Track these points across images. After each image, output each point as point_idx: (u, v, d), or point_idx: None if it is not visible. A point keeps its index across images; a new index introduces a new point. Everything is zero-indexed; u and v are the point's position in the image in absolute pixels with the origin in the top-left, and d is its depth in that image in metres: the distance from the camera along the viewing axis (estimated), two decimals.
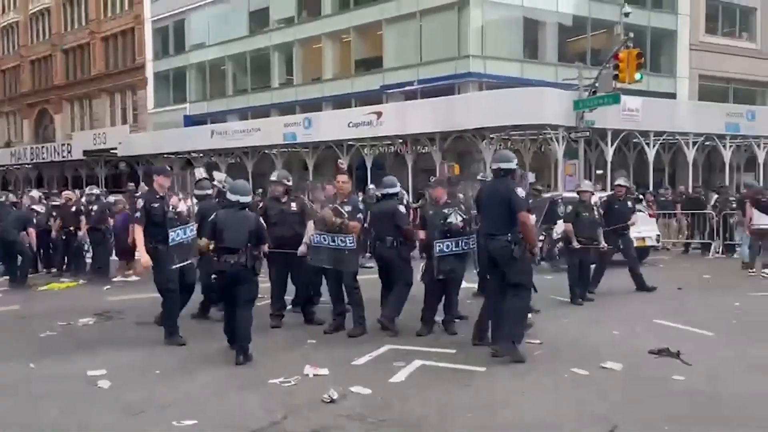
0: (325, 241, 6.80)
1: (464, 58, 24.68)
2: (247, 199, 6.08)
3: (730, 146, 24.17)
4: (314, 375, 5.29)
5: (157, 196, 6.51)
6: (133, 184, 21.84)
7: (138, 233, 6.41)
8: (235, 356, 5.72)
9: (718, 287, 9.88)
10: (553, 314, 7.75)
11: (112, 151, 33.22)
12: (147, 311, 7.69)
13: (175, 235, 6.38)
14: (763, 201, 11.22)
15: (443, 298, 6.93)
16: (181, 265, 6.49)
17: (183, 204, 6.53)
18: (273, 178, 7.53)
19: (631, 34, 17.72)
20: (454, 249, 6.73)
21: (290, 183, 7.44)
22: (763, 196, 11.39)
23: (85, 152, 34.45)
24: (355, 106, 26.37)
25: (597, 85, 18.69)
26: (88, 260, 11.78)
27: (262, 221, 6.45)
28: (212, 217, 6.10)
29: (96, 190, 12.29)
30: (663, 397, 4.83)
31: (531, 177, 9.19)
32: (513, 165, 6.13)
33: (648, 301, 8.78)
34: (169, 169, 6.93)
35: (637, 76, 16.66)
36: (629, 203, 9.79)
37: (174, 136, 31.60)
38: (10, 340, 6.84)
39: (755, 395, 4.89)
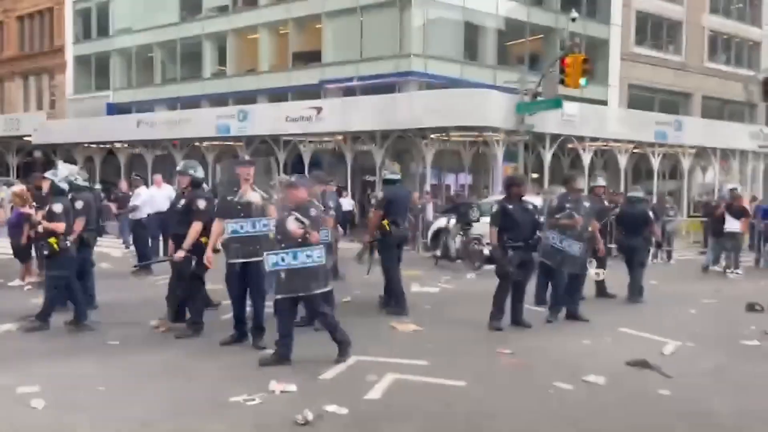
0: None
1: (406, 57, 24.45)
2: None
3: (659, 154, 25.06)
4: (281, 392, 4.75)
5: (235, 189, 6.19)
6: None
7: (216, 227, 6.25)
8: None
9: (670, 294, 9.95)
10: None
11: (25, 138, 30.95)
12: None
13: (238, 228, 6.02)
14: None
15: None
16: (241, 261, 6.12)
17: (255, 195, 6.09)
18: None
19: (577, 40, 17.97)
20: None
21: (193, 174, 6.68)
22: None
23: None
24: (292, 101, 25.63)
25: (540, 89, 18.82)
26: None
27: None
28: None
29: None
30: (658, 415, 4.63)
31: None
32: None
33: (609, 308, 8.68)
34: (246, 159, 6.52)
35: (583, 81, 16.86)
36: (606, 203, 9.69)
37: (96, 125, 29.76)
38: None
39: (747, 412, 4.76)
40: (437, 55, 24.88)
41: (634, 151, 24.64)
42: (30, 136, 30.53)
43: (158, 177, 13.23)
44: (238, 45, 29.84)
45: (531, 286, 7.94)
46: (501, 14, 26.64)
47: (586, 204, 7.89)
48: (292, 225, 5.40)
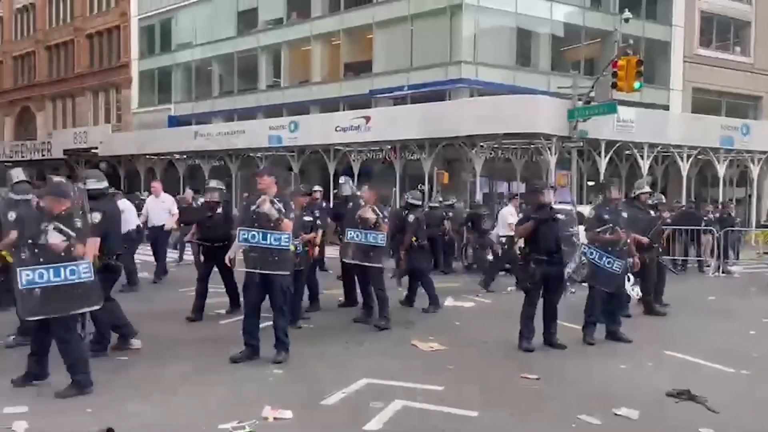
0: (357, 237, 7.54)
1: (456, 64, 24.06)
2: None
3: (724, 160, 23.71)
4: (274, 419, 4.46)
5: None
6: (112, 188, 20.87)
7: None
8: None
9: (728, 312, 9.17)
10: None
11: (92, 150, 32.22)
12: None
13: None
14: None
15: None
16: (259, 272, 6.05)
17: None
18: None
19: (631, 41, 17.15)
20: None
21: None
22: None
23: (65, 151, 33.43)
24: (343, 110, 25.65)
25: (593, 94, 18.07)
26: None
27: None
28: None
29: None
30: None
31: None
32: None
33: (656, 327, 8.01)
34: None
35: (637, 84, 16.02)
36: (652, 212, 8.97)
37: (156, 137, 30.68)
38: None
39: None
40: (488, 62, 24.38)
41: (698, 157, 23.38)
42: (96, 148, 31.76)
43: (157, 184, 12.09)
44: (292, 57, 30.19)
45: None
46: (556, 19, 25.91)
47: (625, 214, 7.28)
48: (55, 238, 4.85)
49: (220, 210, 8.00)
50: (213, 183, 8.38)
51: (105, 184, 6.22)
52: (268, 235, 5.92)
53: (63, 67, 41.72)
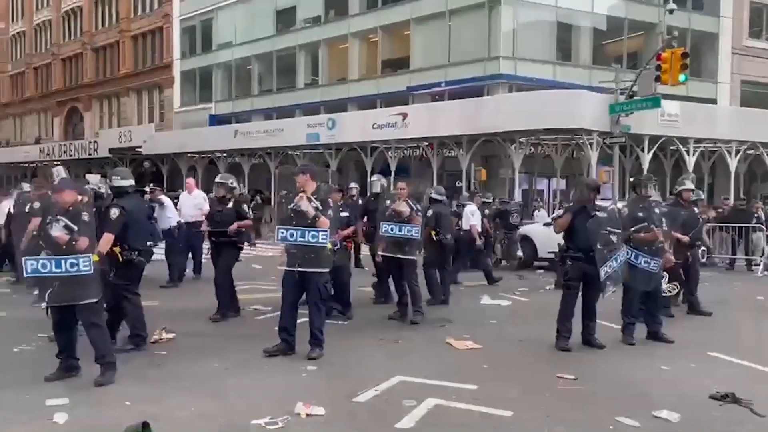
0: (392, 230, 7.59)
1: (494, 60, 23.80)
2: None
3: None
4: (307, 415, 4.47)
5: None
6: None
7: None
8: None
9: None
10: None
11: (137, 149, 33.01)
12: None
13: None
14: None
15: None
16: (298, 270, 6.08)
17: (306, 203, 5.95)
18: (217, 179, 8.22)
19: (676, 33, 16.65)
20: None
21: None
22: None
23: (110, 150, 34.34)
24: (381, 108, 25.65)
25: (636, 88, 17.62)
26: None
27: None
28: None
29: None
30: None
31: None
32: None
33: (700, 327, 7.76)
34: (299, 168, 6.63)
35: (682, 77, 15.55)
36: (696, 210, 8.68)
37: (198, 136, 31.24)
38: None
39: None
40: (527, 57, 24.02)
41: (748, 152, 22.59)
42: (140, 147, 32.53)
43: (190, 180, 12.51)
44: (330, 54, 30.33)
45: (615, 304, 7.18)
46: (597, 12, 25.39)
47: (658, 211, 7.01)
48: (58, 231, 5.02)
49: (230, 205, 7.91)
50: (218, 178, 8.28)
51: (129, 182, 6.35)
52: (306, 233, 5.94)
53: (109, 68, 42.85)
